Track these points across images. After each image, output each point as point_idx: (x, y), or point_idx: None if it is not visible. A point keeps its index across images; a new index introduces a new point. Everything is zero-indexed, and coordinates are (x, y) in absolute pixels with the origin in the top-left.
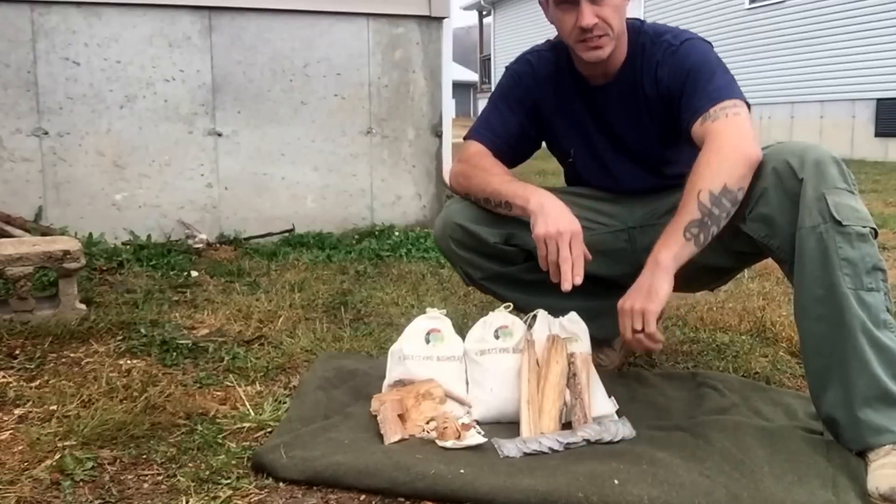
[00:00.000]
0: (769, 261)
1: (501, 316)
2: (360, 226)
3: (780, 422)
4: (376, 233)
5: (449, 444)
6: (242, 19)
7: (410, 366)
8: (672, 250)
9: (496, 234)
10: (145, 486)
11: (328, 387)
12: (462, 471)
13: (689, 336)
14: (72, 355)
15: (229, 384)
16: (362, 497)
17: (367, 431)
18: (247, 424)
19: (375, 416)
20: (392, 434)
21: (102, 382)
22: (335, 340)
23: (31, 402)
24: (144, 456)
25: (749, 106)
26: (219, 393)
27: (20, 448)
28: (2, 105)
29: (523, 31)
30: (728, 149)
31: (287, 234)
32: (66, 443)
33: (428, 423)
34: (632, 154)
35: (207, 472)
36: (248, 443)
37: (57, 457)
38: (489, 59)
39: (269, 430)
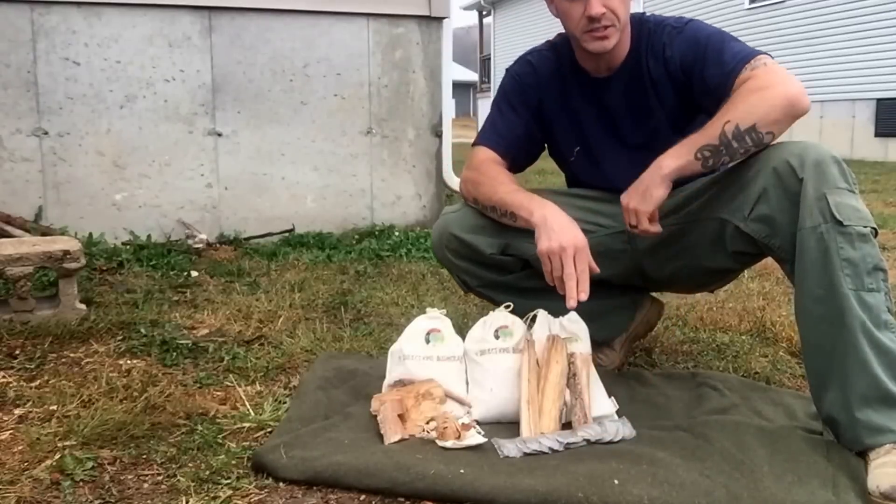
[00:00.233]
0: (769, 261)
1: (501, 316)
2: (360, 226)
3: (780, 422)
4: (376, 233)
5: (449, 444)
6: (242, 19)
7: (410, 366)
8: (678, 162)
9: (492, 245)
10: (145, 486)
11: (328, 387)
12: (462, 471)
13: (689, 336)
14: (72, 355)
15: (229, 384)
16: (362, 497)
17: (367, 431)
18: (247, 424)
19: (375, 416)
20: (392, 434)
21: (102, 382)
22: (335, 340)
23: (31, 402)
24: (144, 456)
25: None
26: (219, 393)
27: (20, 448)
28: (2, 105)
29: (523, 31)
30: (773, 91)
31: (287, 234)
32: (66, 443)
33: (428, 423)
34: (632, 152)
35: (207, 472)
36: (248, 443)
37: (57, 457)
38: (489, 59)
39: (269, 430)
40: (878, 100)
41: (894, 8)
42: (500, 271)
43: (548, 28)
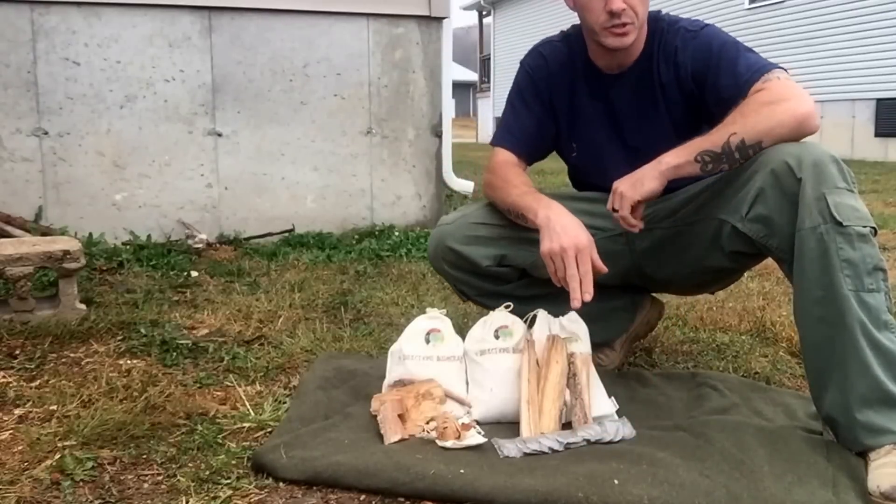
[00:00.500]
0: (769, 261)
1: (501, 316)
2: (360, 226)
3: (780, 422)
4: (376, 233)
5: (449, 444)
6: (242, 19)
7: (410, 366)
8: (678, 160)
9: (488, 257)
10: (145, 486)
11: (328, 387)
12: (462, 471)
13: (689, 336)
14: (72, 355)
15: (229, 384)
16: (362, 497)
17: (367, 431)
18: (247, 424)
19: (375, 416)
20: (392, 434)
21: (102, 382)
22: (335, 340)
23: (31, 402)
24: (144, 456)
25: None
26: (219, 393)
27: (20, 448)
28: (2, 105)
29: (523, 31)
30: (783, 107)
31: (287, 234)
32: (66, 443)
33: (428, 423)
34: (631, 153)
35: (207, 472)
36: (248, 443)
37: (57, 457)
38: (489, 59)
39: (269, 430)
40: (878, 100)
41: (894, 8)
42: (497, 282)
43: (548, 28)
